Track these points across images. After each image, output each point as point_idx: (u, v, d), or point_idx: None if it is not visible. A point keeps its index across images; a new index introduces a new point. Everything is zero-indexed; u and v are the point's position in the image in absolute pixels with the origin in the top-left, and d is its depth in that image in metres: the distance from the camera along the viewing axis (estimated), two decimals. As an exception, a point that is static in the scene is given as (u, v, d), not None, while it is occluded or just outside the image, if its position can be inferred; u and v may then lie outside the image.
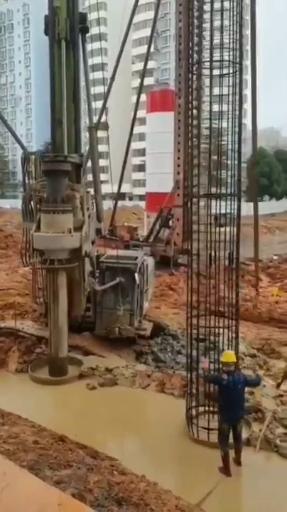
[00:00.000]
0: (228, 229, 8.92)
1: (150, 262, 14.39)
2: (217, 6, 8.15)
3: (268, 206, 55.67)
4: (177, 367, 11.11)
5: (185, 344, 12.24)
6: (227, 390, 7.24)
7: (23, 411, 8.25)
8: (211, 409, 8.12)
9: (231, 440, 7.23)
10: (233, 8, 8.10)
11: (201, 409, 8.33)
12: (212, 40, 8.24)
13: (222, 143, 9.25)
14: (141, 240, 25.88)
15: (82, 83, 11.87)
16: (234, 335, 8.62)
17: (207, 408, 8.26)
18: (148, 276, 13.63)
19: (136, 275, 11.92)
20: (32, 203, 11.38)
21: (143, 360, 11.42)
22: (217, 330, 8.80)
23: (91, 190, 11.61)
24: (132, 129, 27.33)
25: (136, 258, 12.59)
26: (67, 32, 10.39)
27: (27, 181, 13.35)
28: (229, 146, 8.89)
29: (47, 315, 10.98)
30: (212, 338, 8.64)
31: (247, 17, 8.44)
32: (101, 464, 6.40)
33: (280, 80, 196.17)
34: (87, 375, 10.29)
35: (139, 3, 28.57)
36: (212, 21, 8.18)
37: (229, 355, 7.50)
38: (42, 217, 9.99)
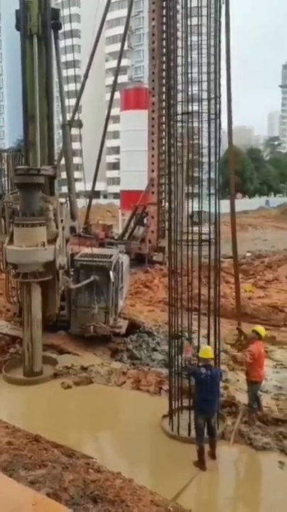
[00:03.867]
0: (204, 227, 8.99)
1: (125, 259, 14.39)
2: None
3: (240, 204, 56.32)
4: (152, 364, 11.14)
5: (160, 341, 12.38)
6: (205, 383, 7.33)
7: (-4, 412, 8.15)
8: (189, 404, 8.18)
9: (205, 435, 7.33)
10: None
11: (178, 404, 8.38)
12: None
13: (196, 141, 9.30)
14: (115, 237, 25.86)
15: (55, 80, 11.77)
16: (211, 331, 8.70)
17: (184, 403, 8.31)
18: (123, 274, 13.64)
19: (111, 273, 11.91)
20: (4, 215, 11.22)
21: (119, 358, 11.41)
22: (193, 326, 8.90)
23: (64, 199, 11.55)
24: (106, 126, 27.29)
25: (111, 256, 12.57)
26: (39, 27, 10.26)
27: (-1, 179, 13.20)
28: (205, 144, 8.91)
29: (21, 314, 10.86)
30: (189, 334, 8.74)
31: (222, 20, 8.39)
32: (77, 462, 6.38)
33: (252, 79, 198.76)
34: (61, 374, 10.21)
35: (112, 1, 28.54)
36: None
37: (207, 351, 7.59)
38: (15, 231, 9.85)
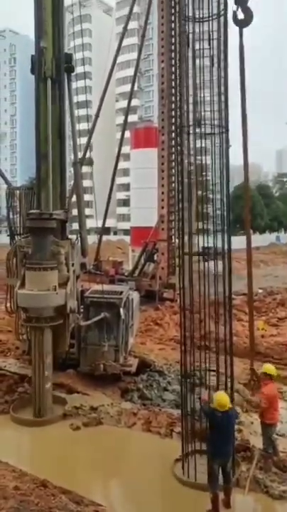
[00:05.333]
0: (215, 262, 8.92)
1: (135, 296, 14.29)
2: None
3: (251, 240, 56.13)
4: (163, 404, 10.85)
5: (171, 380, 12.09)
6: (221, 425, 7.06)
7: (3, 454, 7.93)
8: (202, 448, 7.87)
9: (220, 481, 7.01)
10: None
11: (191, 448, 8.07)
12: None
13: (208, 178, 9.32)
14: (126, 274, 25.78)
15: (67, 119, 12.03)
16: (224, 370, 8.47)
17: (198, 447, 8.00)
18: (133, 311, 13.51)
19: (121, 310, 11.80)
20: (15, 259, 11.30)
21: (129, 398, 11.14)
22: (208, 366, 8.69)
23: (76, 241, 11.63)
24: (116, 164, 27.69)
25: (121, 293, 12.49)
26: (53, 71, 10.58)
27: (11, 216, 13.30)
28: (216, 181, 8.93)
29: (30, 352, 10.71)
30: (203, 374, 8.52)
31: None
32: (85, 510, 6.13)
33: (260, 116, 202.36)
34: (71, 415, 9.96)
35: (123, 45, 29.51)
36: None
37: (223, 404, 7.05)
38: (27, 274, 9.90)
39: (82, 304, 11.93)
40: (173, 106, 23.96)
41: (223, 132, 8.17)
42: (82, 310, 11.92)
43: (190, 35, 8.17)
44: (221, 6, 7.99)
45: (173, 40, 23.83)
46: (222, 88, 8.06)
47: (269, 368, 8.58)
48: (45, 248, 10.03)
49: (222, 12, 7.99)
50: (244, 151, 9.18)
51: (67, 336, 10.68)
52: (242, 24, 8.98)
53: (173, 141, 23.78)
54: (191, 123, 8.32)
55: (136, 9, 57.17)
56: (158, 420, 9.62)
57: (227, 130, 8.22)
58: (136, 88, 57.06)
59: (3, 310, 18.38)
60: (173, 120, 23.90)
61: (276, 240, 70.30)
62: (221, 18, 7.98)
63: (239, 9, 9.00)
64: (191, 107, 8.31)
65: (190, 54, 8.42)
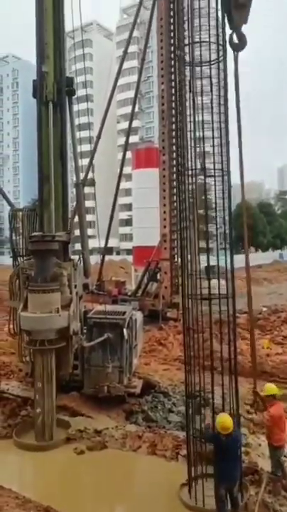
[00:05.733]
0: (218, 282, 8.87)
1: (138, 316, 14.19)
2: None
3: (254, 258, 56.33)
4: (168, 426, 10.67)
5: (176, 402, 11.93)
6: (225, 449, 6.91)
7: (6, 480, 7.77)
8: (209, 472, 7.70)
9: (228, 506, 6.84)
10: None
11: (198, 471, 7.90)
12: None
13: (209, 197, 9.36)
14: (129, 294, 25.70)
15: (69, 141, 12.14)
16: (228, 391, 8.35)
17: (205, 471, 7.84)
18: (137, 332, 13.40)
19: (125, 330, 11.70)
20: (18, 281, 11.31)
21: (134, 420, 10.97)
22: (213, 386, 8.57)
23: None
24: (118, 184, 27.89)
25: (124, 313, 12.41)
26: (55, 94, 10.73)
27: (14, 237, 13.34)
28: (216, 200, 8.98)
29: (33, 374, 10.60)
30: (207, 395, 8.39)
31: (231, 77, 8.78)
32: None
33: (261, 133, 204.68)
34: (74, 439, 9.79)
35: (123, 68, 30.01)
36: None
37: (225, 426, 6.91)
38: (30, 297, 9.89)
39: (85, 325, 11.85)
40: (174, 127, 24.23)
41: (225, 175, 8.37)
42: (85, 331, 11.84)
43: (190, 78, 8.43)
44: (221, 52, 8.23)
45: (173, 62, 24.22)
46: (223, 131, 8.24)
47: (270, 388, 8.41)
48: (48, 270, 10.03)
49: (221, 58, 8.22)
50: (240, 169, 9.22)
51: (71, 357, 10.59)
52: (237, 48, 9.13)
53: (174, 161, 23.98)
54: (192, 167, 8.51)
55: (135, 34, 58.35)
56: (164, 443, 9.44)
57: (229, 173, 8.39)
58: (136, 110, 57.84)
59: (7, 332, 18.34)
60: (174, 140, 24.14)
61: (280, 257, 70.17)
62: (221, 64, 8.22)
63: (234, 34, 9.15)
64: (192, 151, 8.50)
65: (190, 96, 8.60)
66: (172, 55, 24.20)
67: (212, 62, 8.24)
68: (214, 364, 8.91)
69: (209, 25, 8.29)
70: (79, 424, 10.31)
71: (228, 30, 8.81)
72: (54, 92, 10.72)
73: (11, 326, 11.86)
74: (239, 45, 9.11)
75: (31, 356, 11.05)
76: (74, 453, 9.29)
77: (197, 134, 8.50)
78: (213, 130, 8.25)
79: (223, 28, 8.43)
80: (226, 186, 8.62)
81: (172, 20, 24.44)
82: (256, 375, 11.39)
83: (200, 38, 8.31)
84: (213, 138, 8.32)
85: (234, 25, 8.96)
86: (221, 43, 8.31)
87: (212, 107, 8.13)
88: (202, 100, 8.35)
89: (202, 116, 8.41)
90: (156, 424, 10.77)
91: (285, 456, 8.31)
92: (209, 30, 8.30)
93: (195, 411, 8.62)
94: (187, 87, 8.49)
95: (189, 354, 8.49)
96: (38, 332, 9.76)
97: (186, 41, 8.51)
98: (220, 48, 8.28)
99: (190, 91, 8.38)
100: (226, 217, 8.78)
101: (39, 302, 9.74)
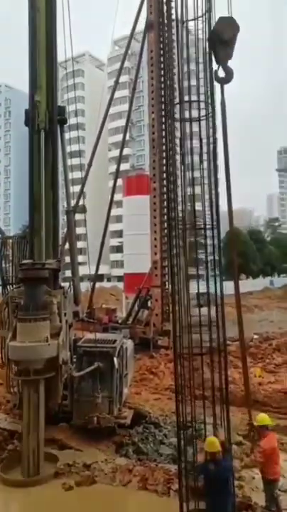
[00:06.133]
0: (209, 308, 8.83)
1: (129, 345, 14.00)
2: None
3: (245, 284, 56.42)
4: (160, 459, 10.37)
5: (167, 433, 11.65)
6: (214, 482, 6.70)
7: (-9, 519, 7.43)
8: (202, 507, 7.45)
9: None
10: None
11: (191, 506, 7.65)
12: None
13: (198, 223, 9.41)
14: (119, 322, 25.46)
15: (60, 169, 12.18)
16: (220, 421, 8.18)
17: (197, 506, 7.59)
18: (128, 360, 13.19)
19: (115, 359, 11.51)
20: (7, 310, 11.14)
21: (124, 453, 10.65)
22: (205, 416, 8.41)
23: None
24: (109, 211, 28.02)
25: (115, 341, 12.23)
26: (47, 123, 10.81)
27: (3, 265, 13.20)
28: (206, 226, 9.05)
29: (21, 406, 10.32)
30: (199, 425, 8.21)
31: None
32: None
33: (250, 160, 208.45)
34: (63, 473, 9.46)
35: (115, 97, 30.54)
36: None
37: (212, 444, 6.98)
38: (19, 326, 9.71)
39: (74, 354, 11.64)
40: (164, 154, 24.55)
41: (214, 228, 8.51)
42: (74, 360, 11.62)
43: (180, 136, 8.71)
44: (210, 109, 8.52)
45: (163, 92, 24.68)
46: (213, 186, 8.42)
47: (263, 418, 8.24)
48: (38, 298, 9.88)
49: (210, 114, 8.46)
50: (228, 196, 9.32)
51: (60, 387, 10.34)
52: (223, 81, 9.38)
53: (165, 188, 24.19)
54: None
55: (126, 64, 59.69)
56: (155, 477, 9.15)
57: (218, 225, 8.52)
58: (127, 138, 58.66)
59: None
60: (164, 168, 24.40)
61: (270, 284, 70.37)
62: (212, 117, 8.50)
63: (220, 68, 9.40)
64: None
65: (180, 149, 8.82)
66: (162, 85, 24.66)
67: (201, 118, 8.53)
68: (205, 393, 8.76)
69: (198, 86, 8.61)
70: (67, 457, 10.00)
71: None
72: (46, 121, 10.80)
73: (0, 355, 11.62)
74: (225, 79, 9.37)
75: (19, 387, 10.79)
76: (62, 489, 8.95)
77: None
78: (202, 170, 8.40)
79: (211, 89, 8.73)
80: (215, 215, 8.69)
81: (162, 52, 25.08)
82: (250, 405, 11.24)
83: (190, 97, 8.63)
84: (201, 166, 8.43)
85: (220, 61, 9.23)
86: (209, 101, 8.64)
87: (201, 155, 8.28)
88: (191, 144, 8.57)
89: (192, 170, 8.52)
90: (147, 456, 10.47)
91: (279, 490, 8.10)
92: (198, 90, 8.63)
93: (186, 442, 8.42)
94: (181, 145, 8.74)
95: (180, 383, 8.34)
96: (27, 362, 9.53)
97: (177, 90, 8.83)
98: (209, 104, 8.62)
99: (180, 151, 8.61)
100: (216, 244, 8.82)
101: (28, 331, 9.55)
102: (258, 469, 8.57)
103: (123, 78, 77.54)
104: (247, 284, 58.78)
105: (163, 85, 24.22)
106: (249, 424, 10.57)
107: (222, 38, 9.00)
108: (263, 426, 8.08)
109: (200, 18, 8.76)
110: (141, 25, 26.25)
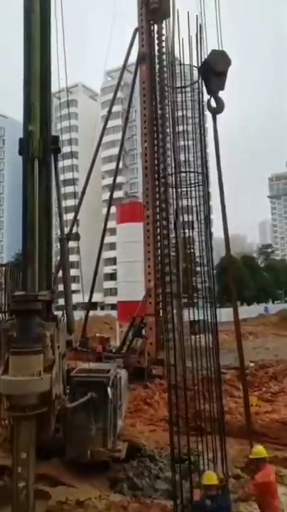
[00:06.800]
0: (203, 336, 8.75)
1: (123, 374, 13.73)
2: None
3: (239, 311, 55.78)
4: (155, 495, 10.02)
5: (163, 467, 11.30)
6: None
7: None
8: None
9: None
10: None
11: None
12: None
13: (191, 251, 9.44)
14: (113, 351, 25.12)
15: (54, 197, 12.17)
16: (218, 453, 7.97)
17: None
18: (122, 390, 12.90)
19: (109, 389, 11.24)
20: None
21: (118, 489, 10.28)
22: (199, 448, 8.20)
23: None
24: (103, 238, 28.03)
25: (109, 371, 11.99)
26: (41, 152, 10.82)
27: (-4, 293, 13.04)
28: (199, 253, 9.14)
29: (12, 439, 9.97)
30: (195, 457, 7.98)
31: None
32: None
33: (242, 187, 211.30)
34: (55, 511, 9.09)
35: (108, 126, 30.98)
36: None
37: (210, 477, 6.81)
38: (11, 359, 9.46)
39: (68, 384, 11.35)
40: (157, 182, 24.73)
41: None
42: (68, 390, 11.33)
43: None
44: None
45: (155, 121, 25.10)
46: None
47: (259, 451, 7.98)
48: (30, 331, 9.65)
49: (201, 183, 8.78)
50: (224, 222, 9.36)
51: (52, 421, 10.01)
52: (215, 111, 9.59)
53: (158, 216, 24.28)
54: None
55: (119, 94, 60.79)
56: (151, 514, 8.82)
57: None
58: (121, 166, 59.30)
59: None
60: (157, 196, 24.57)
61: (264, 310, 70.05)
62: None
63: (212, 98, 9.61)
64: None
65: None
66: (154, 115, 25.09)
67: (192, 186, 8.88)
68: (201, 424, 8.56)
69: (194, 156, 8.95)
70: (60, 494, 9.61)
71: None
72: (40, 150, 10.81)
73: None
74: (217, 109, 9.56)
75: (10, 420, 10.46)
76: (54, 528, 8.60)
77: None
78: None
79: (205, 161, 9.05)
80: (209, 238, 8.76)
81: (153, 83, 25.59)
82: (251, 435, 10.98)
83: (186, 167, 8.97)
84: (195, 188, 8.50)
85: (212, 91, 9.45)
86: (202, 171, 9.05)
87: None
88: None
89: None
90: (142, 492, 10.12)
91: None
92: (194, 162, 8.99)
93: (182, 477, 8.17)
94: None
95: (175, 414, 8.13)
96: (19, 397, 9.24)
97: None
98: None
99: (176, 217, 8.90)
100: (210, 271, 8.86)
101: (20, 364, 9.28)
102: (256, 504, 8.28)
103: (116, 108, 79.10)
104: (241, 311, 58.38)
105: (155, 115, 24.77)
106: (250, 460, 10.30)
107: (215, 69, 9.22)
108: (259, 458, 7.84)
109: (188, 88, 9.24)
110: (133, 57, 26.87)
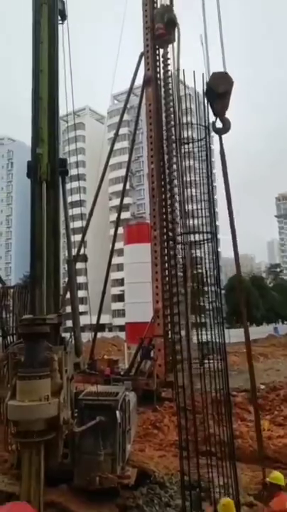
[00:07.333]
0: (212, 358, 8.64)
1: (132, 397, 13.52)
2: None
3: (249, 332, 55.17)
4: (166, 523, 9.76)
5: (174, 494, 11.02)
6: None
7: None
8: None
9: None
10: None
11: None
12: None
13: (199, 271, 9.41)
14: (121, 373, 24.82)
15: (62, 218, 12.22)
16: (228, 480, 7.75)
17: None
18: (131, 414, 12.68)
19: (117, 413, 11.04)
20: (7, 367, 10.85)
21: (128, 517, 10.03)
22: (210, 474, 7.99)
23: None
24: (110, 259, 27.98)
25: (117, 394, 11.80)
26: (48, 175, 10.94)
27: (4, 315, 13.01)
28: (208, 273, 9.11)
29: (19, 466, 9.80)
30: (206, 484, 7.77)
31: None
32: None
33: (250, 207, 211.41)
34: None
35: (114, 148, 31.27)
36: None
37: (227, 507, 6.60)
38: (18, 384, 9.39)
39: (76, 407, 11.19)
40: (163, 203, 24.81)
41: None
42: (76, 414, 11.15)
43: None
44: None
45: (161, 144, 25.31)
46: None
47: (277, 476, 7.78)
48: (38, 355, 9.58)
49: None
50: (234, 247, 9.31)
51: (60, 447, 9.87)
52: (221, 132, 9.64)
53: (165, 236, 24.26)
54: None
55: (126, 117, 61.66)
56: None
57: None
58: (128, 187, 59.70)
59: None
60: (164, 216, 24.62)
61: (274, 331, 69.25)
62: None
63: (218, 119, 9.68)
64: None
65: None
66: (160, 137, 25.33)
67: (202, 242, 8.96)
68: (212, 449, 8.36)
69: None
70: (68, 523, 9.39)
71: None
72: (48, 173, 10.93)
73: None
74: (223, 129, 9.62)
75: (17, 445, 10.29)
76: None
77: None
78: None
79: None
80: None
81: (159, 105, 25.90)
82: (263, 463, 10.68)
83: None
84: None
85: (217, 113, 9.54)
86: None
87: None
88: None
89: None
90: (152, 521, 9.85)
91: None
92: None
93: (193, 505, 7.95)
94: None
95: (184, 438, 7.95)
96: (26, 423, 9.11)
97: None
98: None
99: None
100: (218, 291, 8.81)
101: (27, 389, 9.18)
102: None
103: (123, 130, 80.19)
104: (251, 332, 57.79)
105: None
106: (264, 485, 10.01)
107: (217, 91, 9.31)
108: (275, 484, 7.61)
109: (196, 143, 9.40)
110: (139, 80, 27.27)
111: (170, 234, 9.52)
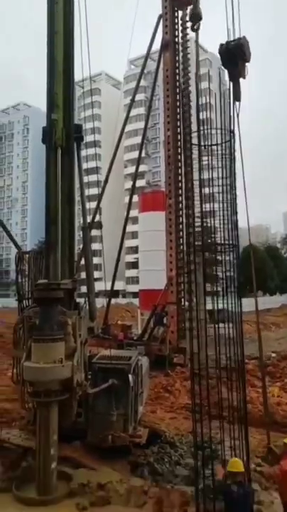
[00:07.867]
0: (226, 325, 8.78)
1: (144, 362, 13.84)
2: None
3: (262, 301, 55.62)
4: (175, 480, 10.14)
5: (183, 453, 11.42)
6: (237, 504, 6.52)
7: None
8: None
9: None
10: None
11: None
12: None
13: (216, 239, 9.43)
14: (135, 338, 25.29)
15: (77, 185, 12.28)
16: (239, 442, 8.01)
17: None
18: (143, 378, 13.02)
19: (130, 376, 11.36)
20: (22, 330, 11.12)
21: (139, 473, 10.44)
22: (221, 436, 8.26)
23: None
24: (125, 227, 28.06)
25: (130, 358, 12.10)
26: (64, 141, 10.92)
27: (20, 280, 13.24)
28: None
29: (35, 422, 10.22)
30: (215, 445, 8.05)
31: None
32: None
33: (266, 177, 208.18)
34: (77, 493, 9.30)
35: (130, 115, 30.88)
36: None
37: (236, 464, 6.88)
38: (33, 347, 9.69)
39: (89, 370, 11.53)
40: (179, 171, 24.61)
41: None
42: (89, 376, 11.50)
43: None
44: None
45: (178, 110, 24.90)
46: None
47: None
48: (53, 319, 9.84)
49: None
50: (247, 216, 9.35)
51: (74, 407, 10.24)
52: (235, 98, 9.56)
53: (180, 205, 24.18)
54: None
55: (142, 83, 60.43)
56: (171, 499, 8.91)
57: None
58: (143, 155, 59.13)
59: (10, 377, 17.93)
60: (180, 184, 24.47)
61: (288, 301, 69.36)
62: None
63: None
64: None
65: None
66: (177, 103, 24.90)
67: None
68: (223, 413, 8.60)
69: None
70: (81, 477, 9.82)
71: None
72: (63, 139, 10.91)
73: (15, 371, 11.57)
74: (237, 97, 9.52)
75: (34, 403, 10.70)
76: (76, 509, 8.79)
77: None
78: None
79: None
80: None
81: (177, 70, 25.32)
82: (269, 427, 10.96)
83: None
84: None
85: (237, 77, 9.46)
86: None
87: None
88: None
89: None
90: (162, 477, 10.25)
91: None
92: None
93: (203, 464, 8.25)
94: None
95: (196, 402, 8.18)
96: (41, 383, 9.46)
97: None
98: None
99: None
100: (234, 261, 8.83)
101: (43, 352, 9.49)
102: (277, 493, 8.31)
103: (139, 96, 78.81)
104: (264, 301, 58.04)
105: (178, 103, 24.59)
106: (269, 449, 10.32)
107: (244, 52, 9.17)
108: None
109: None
110: (157, 45, 26.55)
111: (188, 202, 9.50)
